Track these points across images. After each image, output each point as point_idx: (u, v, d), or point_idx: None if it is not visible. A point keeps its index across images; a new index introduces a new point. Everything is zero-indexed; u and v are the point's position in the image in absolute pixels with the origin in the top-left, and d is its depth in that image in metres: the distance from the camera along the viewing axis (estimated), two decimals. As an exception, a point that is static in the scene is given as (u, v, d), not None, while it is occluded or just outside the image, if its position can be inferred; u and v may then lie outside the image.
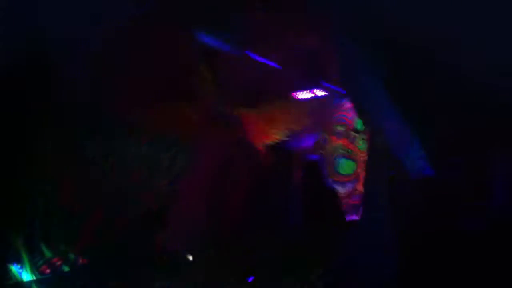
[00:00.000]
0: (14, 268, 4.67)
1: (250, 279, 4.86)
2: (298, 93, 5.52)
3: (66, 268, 4.84)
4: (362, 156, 5.69)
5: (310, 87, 5.52)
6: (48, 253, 4.80)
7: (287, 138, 5.60)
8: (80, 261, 4.91)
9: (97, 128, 4.94)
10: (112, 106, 4.87)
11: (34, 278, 4.73)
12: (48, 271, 4.80)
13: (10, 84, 4.20)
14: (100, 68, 4.79)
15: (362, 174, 5.63)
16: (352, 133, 5.83)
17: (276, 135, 5.62)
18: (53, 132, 4.75)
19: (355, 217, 5.43)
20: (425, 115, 3.78)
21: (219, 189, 5.38)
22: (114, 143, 5.02)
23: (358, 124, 5.75)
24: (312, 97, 5.53)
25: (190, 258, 5.18)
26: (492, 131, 3.29)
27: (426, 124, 3.82)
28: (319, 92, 5.51)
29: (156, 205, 5.17)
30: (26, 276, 4.73)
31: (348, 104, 5.72)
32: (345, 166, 5.81)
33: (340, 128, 5.88)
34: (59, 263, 4.84)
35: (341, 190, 5.68)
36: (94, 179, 4.92)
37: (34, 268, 4.76)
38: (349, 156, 5.80)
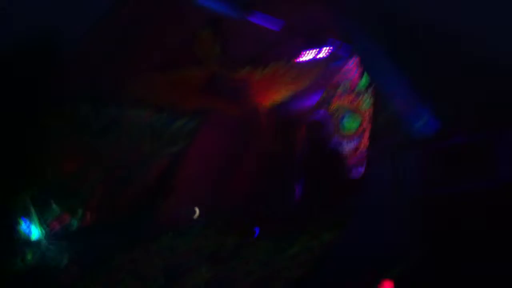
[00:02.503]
0: (23, 224, 4.62)
1: (256, 234, 4.90)
2: (302, 53, 5.50)
3: (75, 224, 4.80)
4: (366, 114, 5.75)
5: (314, 47, 5.51)
6: (57, 210, 4.75)
7: (291, 97, 5.60)
8: (89, 217, 4.88)
9: (103, 98, 4.87)
10: (117, 75, 4.80)
11: (43, 234, 4.69)
12: (57, 227, 4.76)
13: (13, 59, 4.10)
14: (104, 38, 4.69)
15: (366, 131, 5.69)
16: (356, 90, 5.88)
17: (281, 96, 5.62)
18: (61, 103, 4.67)
19: (360, 173, 5.49)
20: (432, 77, 3.79)
21: (225, 157, 5.38)
22: (121, 112, 4.97)
23: (362, 82, 5.80)
24: (316, 56, 5.53)
25: (195, 225, 5.20)
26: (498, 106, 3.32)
27: (432, 86, 3.83)
28: (324, 52, 5.51)
29: (163, 173, 5.15)
30: (35, 232, 4.68)
31: (352, 63, 5.74)
32: (350, 124, 5.87)
33: (344, 86, 5.92)
34: (68, 219, 4.80)
35: (346, 146, 5.74)
36: (101, 147, 4.87)
37: (43, 224, 4.71)
38: (353, 113, 5.86)
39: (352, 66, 5.78)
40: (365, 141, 5.84)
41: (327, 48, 5.38)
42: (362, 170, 5.15)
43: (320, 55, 5.45)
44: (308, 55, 5.43)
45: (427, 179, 3.58)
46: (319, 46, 5.39)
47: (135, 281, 4.10)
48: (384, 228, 3.75)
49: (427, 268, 3.26)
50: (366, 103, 5.81)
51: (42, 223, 4.68)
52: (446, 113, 3.73)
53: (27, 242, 4.57)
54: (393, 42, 4.12)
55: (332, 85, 5.94)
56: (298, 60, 5.44)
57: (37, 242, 4.59)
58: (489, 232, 3.13)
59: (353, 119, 5.91)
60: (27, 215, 4.61)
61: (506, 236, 3.07)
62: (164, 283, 4.06)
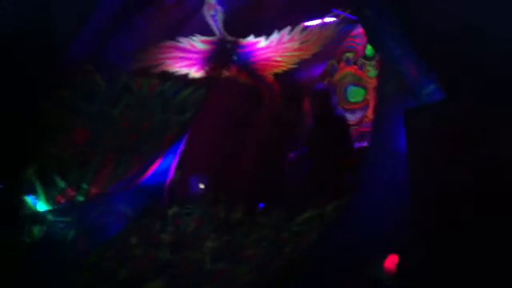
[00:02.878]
0: (29, 199, 4.57)
1: (260, 205, 4.88)
2: (307, 20, 5.44)
3: (80, 198, 4.76)
4: (372, 83, 5.69)
5: (318, 14, 5.44)
6: (62, 184, 4.71)
7: (296, 66, 5.55)
8: (94, 191, 4.84)
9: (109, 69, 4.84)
10: (125, 46, 4.76)
11: (49, 208, 4.65)
12: (62, 201, 4.72)
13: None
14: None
15: (371, 102, 5.64)
16: (361, 59, 5.82)
17: (284, 64, 5.56)
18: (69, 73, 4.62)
19: (365, 144, 5.46)
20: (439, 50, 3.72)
21: (233, 125, 5.35)
22: (127, 84, 4.93)
23: (368, 50, 5.73)
24: (320, 23, 5.46)
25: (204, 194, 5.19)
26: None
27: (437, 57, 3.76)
28: (328, 19, 5.44)
29: (169, 145, 5.13)
30: (41, 206, 4.64)
31: (357, 30, 5.67)
32: (355, 94, 5.82)
33: (349, 55, 5.86)
34: (73, 193, 4.76)
35: (351, 117, 5.69)
36: (108, 119, 4.83)
37: (49, 199, 4.67)
38: (358, 83, 5.81)
39: (358, 33, 5.71)
40: (370, 112, 5.80)
41: (333, 13, 5.32)
42: (370, 137, 5.11)
43: (326, 21, 5.39)
44: (314, 21, 5.36)
45: (442, 147, 3.53)
46: (325, 11, 5.33)
47: (146, 249, 4.08)
48: (394, 195, 3.72)
49: (435, 239, 3.22)
50: (371, 72, 5.75)
51: (48, 197, 4.64)
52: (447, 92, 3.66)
53: (33, 216, 4.54)
54: (400, 7, 4.05)
55: (338, 52, 5.87)
56: (304, 26, 5.37)
57: (44, 217, 4.56)
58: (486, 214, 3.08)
59: (358, 89, 5.86)
60: (33, 190, 4.58)
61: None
62: (174, 250, 4.05)
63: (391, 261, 3.24)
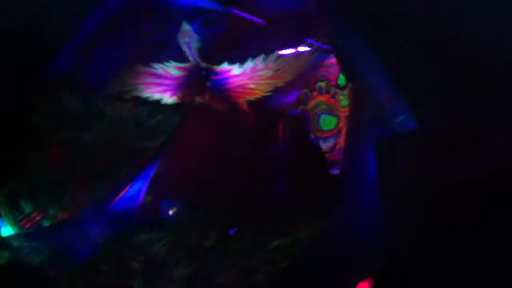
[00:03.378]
0: (-5, 223, 4.46)
1: (232, 231, 4.85)
2: (281, 49, 5.50)
3: (46, 223, 4.66)
4: (344, 112, 5.76)
5: (293, 43, 5.52)
6: (28, 209, 4.61)
7: (269, 94, 5.59)
8: (61, 216, 4.74)
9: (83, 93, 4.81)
10: (99, 70, 4.75)
11: (14, 232, 4.54)
12: (28, 225, 4.61)
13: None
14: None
15: (343, 130, 5.70)
16: (334, 88, 5.88)
17: (259, 91, 5.60)
18: (43, 96, 4.58)
19: (336, 172, 5.49)
20: (413, 71, 3.82)
21: (208, 150, 5.34)
22: (101, 107, 4.91)
23: (340, 80, 5.80)
24: (294, 52, 5.53)
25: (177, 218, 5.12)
26: (486, 90, 3.36)
27: (413, 81, 3.86)
28: (302, 48, 5.52)
29: (141, 170, 5.09)
30: (6, 231, 4.53)
31: (330, 60, 5.76)
32: (327, 122, 5.86)
33: (322, 84, 5.92)
34: (39, 218, 4.66)
35: (323, 145, 5.73)
36: (80, 143, 4.79)
37: (14, 223, 4.56)
38: (331, 111, 5.86)
39: (331, 62, 5.79)
40: (341, 140, 5.85)
41: (308, 42, 5.40)
42: (342, 164, 5.15)
43: (301, 49, 5.46)
44: (288, 50, 5.43)
45: (412, 167, 3.59)
46: (300, 41, 5.41)
47: (116, 274, 3.99)
48: (369, 220, 3.74)
49: (417, 256, 3.25)
50: (343, 101, 5.82)
51: (14, 221, 4.54)
52: (443, 94, 3.74)
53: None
54: (374, 34, 4.14)
55: (311, 81, 5.93)
56: (278, 54, 5.43)
57: (8, 242, 4.44)
58: (478, 216, 3.15)
59: (330, 118, 5.91)
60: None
61: (494, 220, 3.09)
62: (146, 276, 3.97)
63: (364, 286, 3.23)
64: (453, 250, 3.05)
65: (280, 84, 5.61)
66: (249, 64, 5.48)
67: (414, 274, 3.04)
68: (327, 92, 5.91)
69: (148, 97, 5.21)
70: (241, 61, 5.47)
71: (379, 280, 3.19)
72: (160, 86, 5.26)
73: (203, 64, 5.38)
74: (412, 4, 3.84)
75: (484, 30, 3.45)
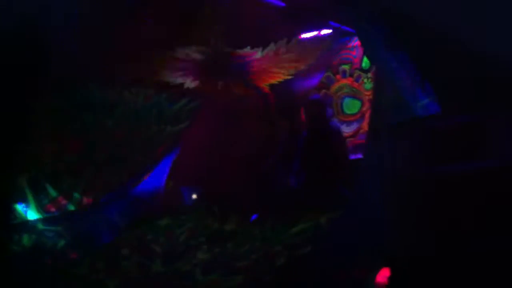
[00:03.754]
0: (19, 207, 4.53)
1: (253, 217, 4.84)
2: (303, 32, 5.43)
3: (71, 207, 4.72)
4: (368, 95, 5.68)
5: (315, 26, 5.44)
6: (53, 193, 4.67)
7: (292, 77, 5.54)
8: (86, 201, 4.79)
9: (102, 80, 4.82)
10: (116, 57, 4.74)
11: (40, 216, 4.60)
12: (53, 209, 4.67)
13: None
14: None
15: (367, 113, 5.62)
16: (358, 72, 5.80)
17: (281, 75, 5.55)
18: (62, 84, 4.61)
19: (359, 156, 5.43)
20: (433, 64, 3.73)
21: (225, 138, 5.32)
22: (122, 93, 4.92)
23: (364, 63, 5.72)
24: (317, 35, 5.46)
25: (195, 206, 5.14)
26: (487, 90, 3.27)
27: (432, 67, 3.77)
28: (325, 31, 5.44)
29: (162, 156, 5.10)
30: (31, 214, 4.60)
31: (354, 43, 5.67)
32: (351, 106, 5.80)
33: (345, 67, 5.85)
34: (64, 202, 4.72)
35: (347, 129, 5.67)
36: (102, 128, 4.81)
37: (39, 207, 4.62)
38: (354, 95, 5.79)
39: (354, 45, 5.71)
40: (365, 124, 5.78)
41: (330, 25, 5.32)
42: (362, 152, 5.09)
43: (323, 33, 5.39)
44: (311, 33, 5.36)
45: (425, 159, 3.52)
46: (322, 23, 5.33)
47: (136, 261, 4.03)
48: (382, 210, 3.70)
49: (424, 249, 3.20)
50: (367, 84, 5.74)
51: (39, 206, 4.60)
52: (445, 93, 3.68)
53: (24, 225, 4.49)
54: (394, 21, 4.06)
55: (335, 64, 5.86)
56: (301, 38, 5.37)
57: (34, 225, 4.51)
58: (485, 212, 3.09)
59: (354, 101, 5.84)
60: (23, 198, 4.54)
61: (501, 216, 3.03)
62: (165, 262, 3.99)
63: (382, 275, 3.20)
64: (452, 247, 3.00)
65: (303, 67, 5.55)
66: (271, 48, 5.44)
67: (414, 270, 3.01)
68: (351, 75, 5.84)
69: (170, 82, 5.20)
70: (263, 45, 5.43)
71: (396, 270, 3.15)
72: (182, 71, 5.25)
73: (225, 49, 5.35)
74: (412, 3, 3.76)
75: (486, 30, 3.36)
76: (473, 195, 3.04)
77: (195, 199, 5.15)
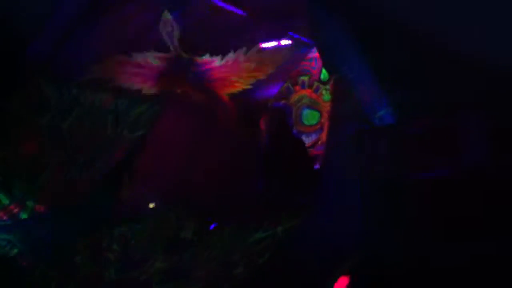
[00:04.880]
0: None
1: (212, 226, 4.81)
2: (263, 41, 5.46)
3: (24, 215, 4.58)
4: (326, 107, 5.75)
5: (275, 36, 5.48)
6: (5, 200, 4.52)
7: (251, 87, 5.55)
8: (39, 209, 4.66)
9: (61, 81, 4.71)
10: (73, 58, 4.65)
11: (-8, 223, 4.45)
12: (5, 218, 4.52)
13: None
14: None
15: (326, 125, 5.69)
16: (316, 83, 5.87)
17: (240, 84, 5.56)
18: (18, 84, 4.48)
19: (318, 167, 5.48)
20: (395, 70, 3.81)
21: (187, 144, 5.29)
22: (79, 97, 4.82)
23: (323, 74, 5.79)
24: (277, 45, 5.49)
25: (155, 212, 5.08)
26: (464, 90, 3.37)
27: (395, 80, 3.85)
28: (285, 41, 5.48)
29: (124, 159, 5.03)
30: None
31: (313, 54, 5.73)
32: (310, 117, 5.85)
33: (304, 78, 5.90)
34: (16, 210, 4.58)
35: (305, 140, 5.71)
36: (58, 133, 4.70)
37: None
38: (313, 106, 5.85)
39: (313, 56, 5.77)
40: (324, 135, 5.84)
41: (290, 36, 5.36)
42: (324, 159, 5.13)
43: (283, 43, 5.42)
44: (270, 43, 5.39)
45: (391, 166, 3.58)
46: (282, 34, 5.37)
47: (93, 268, 3.94)
48: (347, 216, 3.73)
49: (392, 254, 3.25)
50: (326, 96, 5.81)
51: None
52: (410, 99, 3.75)
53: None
54: (357, 29, 4.12)
55: (294, 75, 5.91)
56: (260, 47, 5.39)
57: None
58: (454, 216, 3.15)
59: (313, 112, 5.90)
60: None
61: (470, 220, 3.10)
62: (119, 271, 3.92)
63: (341, 284, 3.22)
64: (428, 249, 3.06)
65: (262, 77, 5.57)
66: (230, 56, 5.44)
67: (390, 272, 3.05)
68: (310, 86, 5.90)
69: (128, 88, 5.13)
70: (223, 53, 5.42)
71: (356, 278, 3.19)
72: (140, 76, 5.18)
73: (184, 55, 5.31)
74: (396, 4, 3.83)
75: (459, 32, 3.45)
76: (444, 198, 3.10)
77: (153, 207, 5.07)
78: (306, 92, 5.92)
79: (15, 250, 4.18)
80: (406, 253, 3.10)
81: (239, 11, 5.11)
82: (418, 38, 3.67)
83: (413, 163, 3.37)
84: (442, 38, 3.55)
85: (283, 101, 5.91)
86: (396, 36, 3.79)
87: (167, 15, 5.16)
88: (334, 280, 3.29)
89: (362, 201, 3.46)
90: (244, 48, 5.45)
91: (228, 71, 5.48)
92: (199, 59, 5.38)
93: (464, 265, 2.94)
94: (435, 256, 3.06)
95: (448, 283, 2.94)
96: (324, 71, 5.75)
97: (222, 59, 5.41)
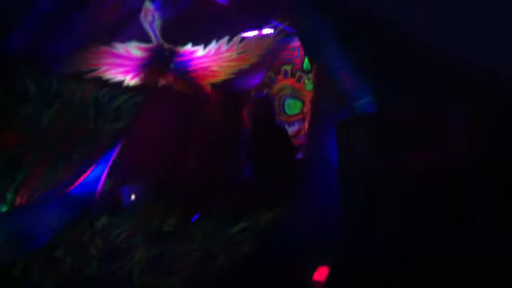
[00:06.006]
0: None
1: (195, 218, 4.80)
2: (245, 31, 5.42)
3: (3, 208, 4.54)
4: (309, 96, 5.73)
5: (257, 25, 5.44)
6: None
7: (233, 76, 5.52)
8: (19, 202, 4.62)
9: (41, 72, 4.65)
10: (54, 49, 4.60)
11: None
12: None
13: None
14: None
15: (308, 114, 5.67)
16: (299, 72, 5.84)
17: (222, 74, 5.53)
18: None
19: (301, 157, 5.47)
20: (377, 59, 3.80)
21: (170, 134, 5.26)
22: (60, 88, 4.76)
23: (305, 64, 5.77)
24: (259, 34, 5.46)
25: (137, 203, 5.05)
26: (447, 82, 3.36)
27: (377, 69, 3.84)
28: (267, 30, 5.45)
29: (101, 154, 4.99)
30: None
31: (295, 43, 5.70)
32: (292, 106, 5.84)
33: (286, 68, 5.88)
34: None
35: (288, 130, 5.70)
36: (38, 124, 4.65)
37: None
38: (296, 95, 5.83)
39: (296, 45, 5.75)
40: (306, 124, 5.83)
41: (273, 24, 5.33)
42: (306, 149, 5.13)
43: (265, 32, 5.39)
44: (253, 32, 5.36)
45: (371, 156, 3.57)
46: (265, 23, 5.34)
47: (72, 261, 3.91)
48: (329, 206, 3.73)
49: (374, 245, 3.24)
50: (308, 85, 5.79)
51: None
52: (394, 90, 3.75)
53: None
54: (339, 19, 4.10)
55: (276, 64, 5.88)
56: (243, 36, 5.36)
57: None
58: (438, 208, 3.15)
59: (295, 102, 5.88)
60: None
61: (453, 211, 3.10)
62: (100, 264, 3.90)
63: (320, 273, 3.22)
64: (407, 241, 3.06)
65: (244, 66, 5.54)
66: (213, 45, 5.40)
67: (369, 265, 3.05)
68: (292, 75, 5.88)
69: (109, 78, 5.08)
70: (205, 42, 5.38)
71: (336, 269, 3.19)
72: (122, 67, 5.13)
73: (166, 45, 5.27)
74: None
75: (443, 24, 3.45)
76: (426, 190, 3.10)
77: (134, 199, 5.05)
78: (288, 81, 5.90)
79: (-6, 242, 4.14)
80: (384, 244, 3.10)
81: (221, 0, 5.07)
82: (402, 28, 3.66)
83: (393, 154, 3.37)
84: (428, 28, 3.54)
85: (265, 91, 5.89)
86: (379, 25, 3.78)
87: (149, 5, 5.11)
88: (313, 270, 3.29)
89: (340, 191, 3.46)
90: (227, 38, 5.41)
91: (210, 60, 5.44)
92: (181, 49, 5.34)
93: (444, 256, 2.95)
94: (415, 246, 3.06)
95: (428, 274, 2.95)
96: (306, 60, 5.72)
97: (204, 48, 5.37)
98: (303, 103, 5.83)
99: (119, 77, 5.15)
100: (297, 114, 5.84)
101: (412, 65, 3.60)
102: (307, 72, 5.80)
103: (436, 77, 3.47)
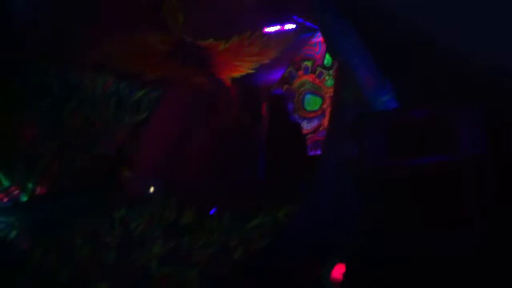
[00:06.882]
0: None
1: (212, 211, 4.80)
2: (266, 26, 5.41)
3: (24, 198, 4.59)
4: (329, 92, 5.70)
5: (279, 20, 5.43)
6: (5, 182, 4.53)
7: (254, 71, 5.51)
8: (39, 191, 4.67)
9: (61, 67, 4.69)
10: (78, 42, 4.62)
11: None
12: (5, 199, 4.54)
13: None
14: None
15: (328, 110, 5.65)
16: (320, 68, 5.82)
17: (243, 68, 5.52)
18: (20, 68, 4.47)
19: (319, 153, 5.45)
20: (396, 59, 3.76)
21: (188, 128, 5.27)
22: (80, 80, 4.80)
23: (326, 60, 5.74)
24: (280, 30, 5.45)
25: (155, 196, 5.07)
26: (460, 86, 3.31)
27: (396, 68, 3.80)
28: (288, 26, 5.43)
29: (124, 143, 5.01)
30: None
31: (316, 39, 5.68)
32: (312, 102, 5.81)
33: (307, 63, 5.86)
34: (16, 192, 4.59)
35: (307, 126, 5.68)
36: (58, 117, 4.69)
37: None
38: (316, 92, 5.81)
39: (317, 41, 5.72)
40: (325, 121, 5.81)
41: (294, 20, 5.32)
42: (325, 145, 5.11)
43: (287, 27, 5.38)
44: (274, 27, 5.35)
45: (389, 153, 3.54)
46: (286, 18, 5.32)
47: (90, 251, 3.95)
48: (344, 203, 3.71)
49: (386, 241, 3.22)
50: (329, 81, 5.76)
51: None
52: (409, 87, 3.71)
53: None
54: (359, 17, 4.07)
55: (297, 60, 5.86)
56: (264, 31, 5.35)
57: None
58: (448, 205, 3.12)
59: (315, 98, 5.86)
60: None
61: (464, 209, 3.07)
62: (120, 253, 3.93)
63: (338, 271, 3.21)
64: (421, 240, 3.04)
65: (265, 61, 5.53)
66: (234, 40, 5.39)
67: (384, 261, 3.03)
68: (313, 71, 5.85)
69: (129, 71, 5.10)
70: (227, 37, 5.38)
71: (352, 265, 3.17)
72: (143, 59, 5.15)
73: (188, 39, 5.28)
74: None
75: (452, 25, 3.40)
76: (434, 190, 3.07)
77: (153, 191, 5.07)
78: (309, 77, 5.88)
79: (14, 232, 4.18)
80: (399, 242, 3.07)
81: (243, -5, 5.08)
82: (423, 26, 3.62)
83: (410, 152, 3.33)
84: (447, 27, 3.50)
85: (285, 86, 5.87)
86: (400, 22, 3.74)
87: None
88: (329, 266, 3.27)
89: (356, 188, 3.44)
90: (248, 33, 5.40)
91: (231, 55, 5.44)
92: (203, 43, 5.35)
93: (457, 256, 2.92)
94: (428, 245, 3.03)
95: (441, 272, 2.92)
96: (327, 56, 5.70)
97: (226, 43, 5.37)
98: (323, 99, 5.81)
99: (139, 70, 5.18)
100: (317, 110, 5.81)
101: (433, 61, 3.57)
102: (328, 68, 5.77)
103: (457, 74, 3.43)
